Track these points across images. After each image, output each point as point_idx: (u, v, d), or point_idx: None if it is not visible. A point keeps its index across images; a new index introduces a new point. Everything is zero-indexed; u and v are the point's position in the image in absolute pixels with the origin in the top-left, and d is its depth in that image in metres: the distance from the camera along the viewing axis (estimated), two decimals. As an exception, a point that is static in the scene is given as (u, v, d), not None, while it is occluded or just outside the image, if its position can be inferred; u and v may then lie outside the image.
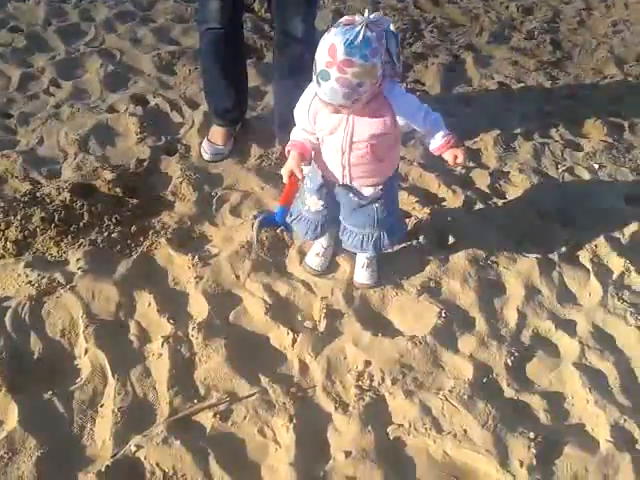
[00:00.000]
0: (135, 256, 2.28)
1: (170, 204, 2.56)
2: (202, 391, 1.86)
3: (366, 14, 1.55)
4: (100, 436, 1.73)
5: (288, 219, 2.07)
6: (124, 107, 3.10)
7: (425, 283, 2.20)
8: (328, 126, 1.80)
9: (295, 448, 1.70)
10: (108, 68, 3.38)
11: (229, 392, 1.86)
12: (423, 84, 3.53)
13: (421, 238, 2.37)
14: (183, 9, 4.10)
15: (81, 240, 2.30)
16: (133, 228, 2.38)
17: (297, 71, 2.59)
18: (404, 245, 2.35)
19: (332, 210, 2.07)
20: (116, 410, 1.78)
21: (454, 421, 1.78)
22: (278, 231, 2.27)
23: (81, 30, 3.78)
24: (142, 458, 1.67)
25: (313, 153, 1.91)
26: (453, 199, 2.58)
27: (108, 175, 2.59)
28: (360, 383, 1.89)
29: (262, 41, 3.76)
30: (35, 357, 1.93)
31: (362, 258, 2.17)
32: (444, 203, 2.59)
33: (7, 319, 2.01)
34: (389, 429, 1.78)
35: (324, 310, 2.09)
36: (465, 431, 1.76)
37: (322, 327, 2.05)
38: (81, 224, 2.35)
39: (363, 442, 1.73)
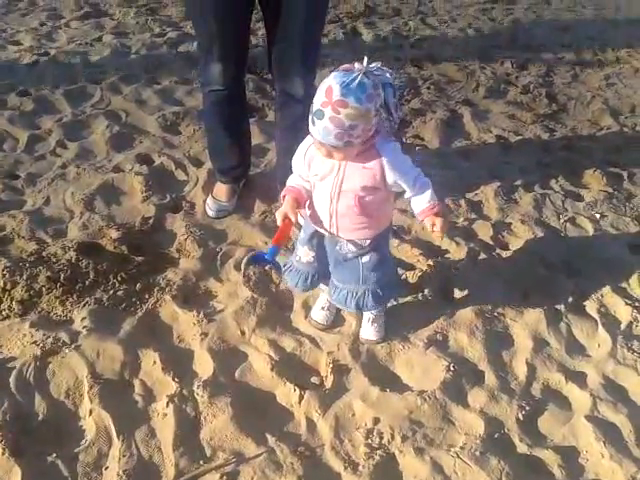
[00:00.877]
0: (140, 314, 2.28)
1: (175, 261, 2.57)
2: (208, 452, 1.82)
3: (365, 62, 1.59)
4: (104, 501, 1.69)
5: (282, 269, 2.10)
6: (129, 166, 3.15)
7: (432, 337, 2.19)
8: (321, 171, 1.81)
9: (304, 511, 1.66)
10: (114, 129, 3.46)
11: (235, 452, 1.82)
12: (422, 139, 3.60)
13: (426, 291, 2.37)
14: (187, 71, 4.23)
15: (86, 299, 2.30)
16: (138, 285, 2.39)
17: (298, 129, 2.63)
18: (409, 298, 2.35)
19: (324, 262, 2.06)
20: (121, 473, 1.73)
21: (466, 479, 1.74)
22: (267, 268, 2.24)
23: (87, 92, 3.88)
24: (147, 523, 1.63)
25: (308, 201, 1.93)
26: (457, 251, 2.59)
27: (114, 234, 2.61)
28: (369, 441, 1.85)
29: (264, 100, 3.86)
30: (39, 418, 1.90)
31: (368, 313, 2.16)
32: (448, 255, 2.60)
33: (12, 380, 1.99)
34: (400, 489, 1.73)
35: (331, 365, 2.07)
36: (478, 489, 1.71)
37: (329, 383, 2.02)
38: (87, 282, 2.36)
39: (374, 503, 1.68)
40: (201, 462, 1.79)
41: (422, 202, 1.83)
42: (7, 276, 2.32)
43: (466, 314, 2.27)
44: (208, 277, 2.48)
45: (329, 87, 1.59)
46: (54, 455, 1.79)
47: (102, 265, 2.43)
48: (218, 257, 2.59)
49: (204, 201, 2.90)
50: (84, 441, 1.85)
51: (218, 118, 2.77)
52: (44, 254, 2.48)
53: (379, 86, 1.60)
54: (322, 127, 1.63)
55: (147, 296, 2.37)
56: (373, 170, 1.75)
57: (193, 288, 2.43)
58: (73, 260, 2.42)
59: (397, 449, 1.83)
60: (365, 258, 1.96)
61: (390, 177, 1.75)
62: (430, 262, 2.49)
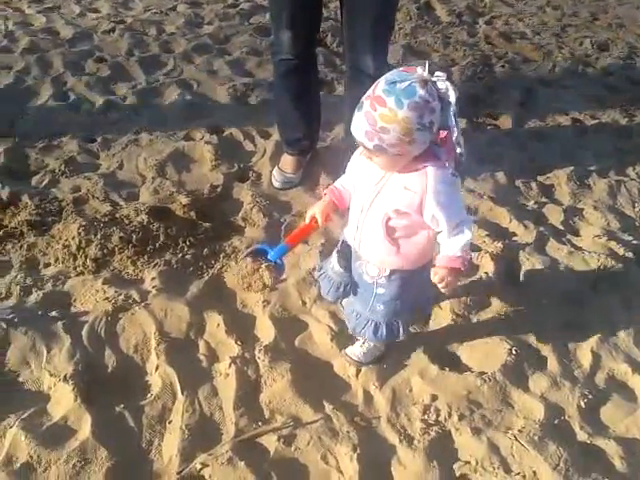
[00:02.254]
0: (206, 278, 2.34)
1: (241, 229, 2.62)
2: (267, 414, 1.87)
3: (426, 67, 1.43)
4: (167, 452, 1.76)
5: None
6: (200, 135, 3.22)
7: (495, 319, 2.16)
8: (364, 175, 1.67)
9: (358, 478, 1.68)
10: (185, 98, 3.53)
11: (293, 416, 1.86)
12: (494, 118, 3.52)
13: (491, 274, 2.33)
14: (257, 43, 4.25)
15: (156, 260, 2.38)
16: (205, 251, 2.45)
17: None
18: (472, 279, 2.32)
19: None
20: (184, 427, 1.81)
21: (523, 462, 1.72)
22: (263, 266, 1.85)
23: (161, 61, 3.97)
24: (207, 476, 1.69)
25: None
26: (525, 234, 2.54)
27: (183, 199, 2.68)
28: (426, 417, 1.86)
29: (333, 74, 3.85)
30: (109, 370, 1.99)
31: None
32: (515, 238, 2.55)
33: (84, 333, 2.09)
34: (455, 466, 1.73)
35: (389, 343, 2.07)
36: (535, 473, 1.70)
37: (387, 358, 2.03)
38: (157, 245, 2.44)
39: (428, 477, 1.69)
40: (260, 423, 1.84)
41: (450, 248, 1.62)
42: (82, 234, 2.43)
43: (531, 299, 2.23)
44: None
45: (379, 80, 1.47)
46: (122, 406, 1.88)
47: (172, 229, 2.51)
48: (282, 227, 2.62)
49: (270, 172, 2.93)
50: (150, 395, 1.93)
51: (287, 88, 2.78)
52: (117, 215, 2.58)
53: (435, 99, 1.43)
54: (357, 119, 1.51)
55: (213, 261, 2.43)
56: (414, 194, 1.56)
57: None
58: (145, 223, 2.51)
59: (453, 427, 1.82)
60: (380, 290, 1.79)
61: (429, 209, 1.56)
62: (497, 244, 2.45)
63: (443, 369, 1.98)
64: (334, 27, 4.28)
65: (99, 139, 3.19)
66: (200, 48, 4.13)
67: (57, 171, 2.92)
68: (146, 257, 2.40)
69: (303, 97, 2.83)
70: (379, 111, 1.45)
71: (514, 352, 2.02)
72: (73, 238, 2.41)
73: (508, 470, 1.70)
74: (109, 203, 2.70)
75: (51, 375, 1.94)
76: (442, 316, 2.17)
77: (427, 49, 4.48)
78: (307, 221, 1.84)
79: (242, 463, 1.70)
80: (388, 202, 1.62)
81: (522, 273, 2.37)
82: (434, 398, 1.90)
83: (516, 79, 4.00)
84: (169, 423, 1.85)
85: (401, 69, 1.48)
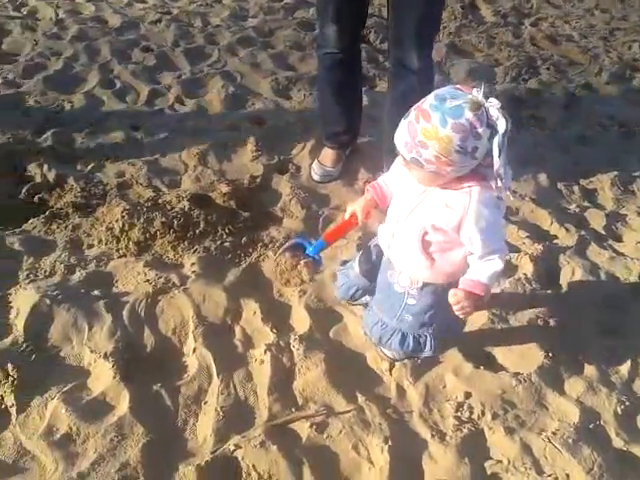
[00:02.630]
0: (244, 266, 2.37)
1: (279, 219, 2.65)
2: (300, 401, 1.89)
3: (481, 91, 1.40)
4: (202, 432, 1.80)
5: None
6: (242, 127, 3.25)
7: (532, 320, 2.14)
8: (406, 184, 1.64)
9: (389, 470, 1.68)
10: (229, 89, 3.57)
11: (326, 405, 1.87)
12: (538, 120, 3.47)
13: (530, 275, 2.30)
14: (301, 37, 4.28)
15: (196, 246, 2.42)
16: (244, 239, 2.48)
17: (409, 101, 2.61)
18: (512, 280, 2.30)
19: (375, 279, 1.90)
20: (219, 409, 1.84)
21: (556, 464, 1.70)
22: (302, 262, 1.90)
23: (205, 53, 4.02)
24: (239, 458, 1.71)
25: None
26: (566, 237, 2.51)
27: (224, 188, 2.72)
28: (459, 414, 1.85)
29: (376, 71, 3.85)
30: (147, 350, 2.04)
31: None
32: (556, 241, 2.52)
33: (125, 312, 2.14)
34: (486, 464, 1.73)
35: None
36: (567, 476, 1.68)
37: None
38: (197, 231, 2.48)
39: (459, 473, 1.69)
40: (293, 410, 1.86)
41: (478, 272, 1.58)
42: (126, 218, 2.48)
43: (570, 302, 2.20)
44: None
45: (430, 95, 1.45)
46: (159, 385, 1.92)
47: (212, 216, 2.54)
48: (320, 220, 2.64)
49: (310, 165, 2.95)
50: (186, 376, 1.96)
51: (331, 82, 2.80)
52: (160, 201, 2.63)
53: (483, 126, 1.38)
54: (400, 128, 1.50)
55: (251, 250, 2.46)
56: (454, 212, 1.53)
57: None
58: (186, 209, 2.55)
59: (486, 425, 1.82)
60: (411, 300, 1.77)
61: (467, 230, 1.53)
62: (537, 246, 2.42)
63: (478, 368, 1.97)
64: (378, 24, 4.28)
65: (143, 126, 3.26)
66: (244, 41, 4.17)
67: (102, 156, 2.99)
68: (186, 243, 2.44)
69: (346, 91, 2.84)
70: (422, 125, 1.43)
71: (551, 354, 2.00)
72: (117, 221, 2.46)
73: (540, 471, 1.69)
74: (152, 189, 2.76)
75: (92, 352, 1.99)
76: (479, 315, 2.16)
77: (471, 48, 4.45)
78: (347, 217, 1.84)
79: (274, 447, 1.73)
80: (427, 217, 1.59)
81: (561, 276, 2.34)
82: (468, 396, 1.90)
83: (561, 82, 3.95)
84: (204, 404, 1.88)
85: (457, 86, 1.45)
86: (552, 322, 2.14)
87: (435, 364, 2.01)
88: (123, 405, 1.84)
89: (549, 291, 2.26)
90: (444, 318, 1.80)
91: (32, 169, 2.87)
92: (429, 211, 1.58)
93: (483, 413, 1.85)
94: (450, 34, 4.56)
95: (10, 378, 1.88)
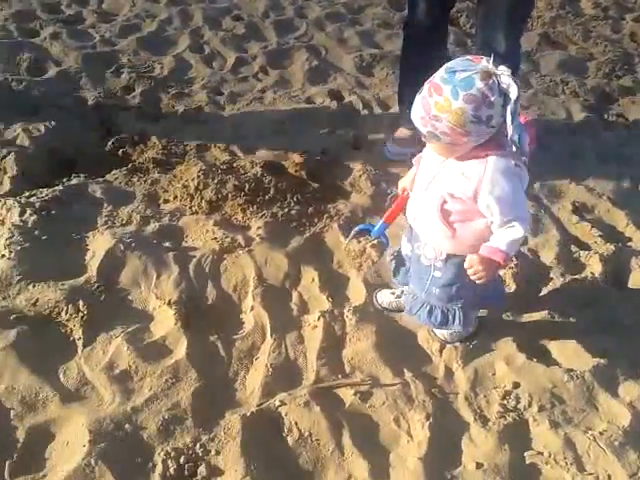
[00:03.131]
0: (308, 235, 2.42)
1: (347, 194, 2.68)
2: (347, 369, 1.94)
3: (490, 60, 1.40)
4: (251, 384, 1.88)
5: (388, 245, 2.00)
6: (321, 100, 3.30)
7: (593, 319, 2.09)
8: (428, 155, 1.67)
9: (427, 445, 1.71)
10: (312, 63, 3.62)
11: (372, 376, 1.91)
12: (626, 119, 3.33)
13: (598, 274, 2.24)
14: (390, 16, 4.25)
15: (264, 211, 2.49)
16: (310, 209, 2.53)
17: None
18: (576, 277, 2.24)
19: None
20: (269, 365, 1.91)
21: (599, 463, 1.67)
22: (375, 242, 2.06)
23: (294, 25, 4.08)
24: (283, 414, 1.78)
25: None
26: (640, 241, 2.42)
27: (297, 158, 2.78)
28: (505, 402, 1.84)
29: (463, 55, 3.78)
30: (208, 303, 2.13)
31: None
32: (630, 244, 2.43)
33: (191, 266, 2.24)
34: (526, 453, 1.71)
35: (479, 325, 2.06)
36: (609, 476, 1.65)
37: (476, 339, 2.02)
38: (267, 197, 2.55)
39: (497, 458, 1.69)
40: (339, 376, 1.91)
41: (497, 239, 1.57)
42: (201, 177, 2.58)
43: (637, 306, 2.13)
44: (374, 215, 2.55)
45: (442, 68, 1.45)
46: (215, 336, 2.01)
47: (282, 184, 2.61)
48: (387, 198, 2.64)
49: (384, 143, 2.96)
50: (242, 331, 2.05)
51: (415, 59, 2.77)
52: (234, 165, 2.72)
53: (495, 94, 1.39)
54: (416, 103, 1.50)
55: (316, 220, 2.50)
56: (470, 181, 1.53)
57: (359, 222, 2.51)
58: (258, 175, 2.62)
59: (532, 417, 1.80)
60: (437, 273, 1.77)
61: (483, 198, 1.52)
62: (609, 246, 2.35)
63: (530, 359, 1.95)
64: (469, 8, 4.19)
65: (226, 92, 3.35)
66: (333, 16, 4.19)
67: (185, 117, 3.11)
68: (255, 207, 2.51)
69: (429, 70, 2.80)
70: (434, 99, 1.43)
71: (608, 355, 1.95)
72: (192, 180, 2.57)
73: (581, 469, 1.66)
74: (228, 153, 2.85)
75: (157, 298, 2.11)
76: (538, 307, 2.13)
77: (565, 40, 4.28)
78: (400, 192, 1.87)
79: (318, 408, 1.78)
80: (444, 185, 1.60)
81: (630, 279, 2.26)
82: (516, 385, 1.88)
83: (658, 82, 3.75)
84: (255, 359, 1.96)
85: (467, 57, 1.45)
86: (614, 323, 2.08)
87: (487, 350, 2.00)
88: (180, 350, 1.94)
89: (615, 292, 2.19)
90: (477, 292, 1.79)
91: (119, 124, 3.02)
92: (447, 180, 1.60)
93: (530, 404, 1.83)
94: (544, 24, 4.40)
95: (80, 313, 2.03)
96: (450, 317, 1.85)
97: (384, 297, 2.13)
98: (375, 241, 1.96)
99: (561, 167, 2.88)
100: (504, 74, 1.39)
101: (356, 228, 2.03)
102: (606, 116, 3.35)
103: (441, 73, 1.44)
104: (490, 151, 1.51)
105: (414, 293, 1.88)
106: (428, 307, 1.86)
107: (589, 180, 2.79)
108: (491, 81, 1.38)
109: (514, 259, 2.25)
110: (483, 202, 1.54)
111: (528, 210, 1.56)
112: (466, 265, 1.61)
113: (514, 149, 1.46)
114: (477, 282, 1.62)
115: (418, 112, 1.50)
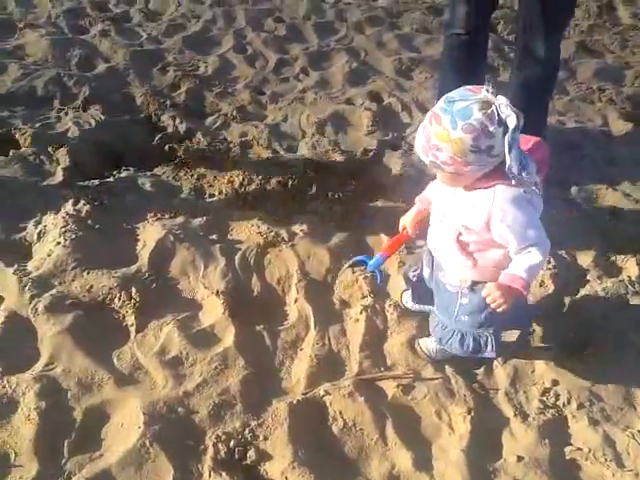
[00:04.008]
0: (349, 231, 2.48)
1: (386, 193, 2.73)
2: (389, 362, 2.00)
3: (490, 89, 1.41)
4: (296, 374, 1.94)
5: (380, 281, 2.02)
6: (360, 101, 3.37)
7: (631, 322, 2.11)
8: (440, 187, 1.68)
9: (469, 438, 1.76)
10: (352, 65, 3.69)
11: (414, 370, 1.96)
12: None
13: (634, 277, 2.27)
14: (428, 21, 4.32)
15: (307, 208, 2.56)
16: (351, 207, 2.60)
17: (531, 90, 2.62)
18: (613, 279, 2.28)
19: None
20: (313, 356, 1.97)
21: (638, 460, 1.71)
22: (361, 278, 2.14)
23: (334, 28, 4.16)
24: (328, 403, 1.84)
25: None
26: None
27: (338, 157, 2.85)
28: (544, 399, 1.88)
29: (500, 61, 3.83)
30: (254, 294, 2.21)
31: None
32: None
33: (237, 258, 2.32)
34: (566, 449, 1.76)
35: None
36: (649, 474, 1.68)
37: (515, 337, 2.07)
38: (309, 194, 2.62)
39: (537, 452, 1.73)
40: (382, 369, 1.97)
41: (515, 266, 1.56)
42: (246, 173, 2.66)
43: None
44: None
45: (442, 98, 1.47)
46: (261, 326, 2.08)
47: (324, 182, 2.68)
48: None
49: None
50: (286, 322, 2.12)
51: (454, 63, 2.82)
52: (277, 162, 2.80)
53: (494, 124, 1.39)
54: (418, 132, 1.53)
55: (357, 218, 2.56)
56: (480, 213, 1.54)
57: (397, 221, 2.56)
58: (301, 173, 2.70)
59: (570, 414, 1.84)
60: (464, 300, 1.75)
61: (496, 228, 1.53)
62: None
63: (569, 358, 1.99)
64: (507, 15, 4.24)
65: (268, 92, 3.44)
66: (372, 20, 4.27)
67: (229, 115, 3.21)
68: (298, 203, 2.58)
69: (468, 74, 2.84)
70: (434, 128, 1.45)
71: (646, 357, 1.98)
72: (237, 176, 2.65)
73: (621, 465, 1.70)
74: (271, 150, 2.93)
75: (205, 288, 2.19)
76: (576, 308, 2.16)
77: (602, 49, 4.30)
78: (400, 229, 1.91)
79: (362, 399, 1.84)
80: (457, 218, 1.61)
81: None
82: (555, 383, 1.92)
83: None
84: (300, 350, 2.03)
85: (467, 87, 1.45)
86: (652, 327, 2.11)
87: (526, 349, 2.04)
88: (229, 338, 2.01)
89: (653, 297, 2.22)
90: (505, 317, 1.75)
91: (165, 120, 3.13)
92: (459, 212, 1.60)
93: (569, 401, 1.87)
94: (582, 32, 4.42)
95: (132, 301, 2.11)
96: (482, 343, 1.81)
97: (429, 344, 2.01)
98: (369, 274, 2.02)
99: (598, 173, 2.91)
100: (503, 104, 1.39)
101: (352, 259, 2.08)
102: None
103: (441, 103, 1.45)
104: (497, 180, 1.51)
105: (442, 322, 1.86)
106: (459, 335, 1.82)
107: (625, 185, 2.82)
108: (490, 111, 1.38)
109: (551, 260, 2.29)
110: (496, 232, 1.54)
111: (545, 235, 1.55)
112: (484, 294, 1.61)
113: (514, 179, 1.45)
114: (498, 310, 1.60)
115: (420, 141, 1.52)
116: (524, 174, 1.45)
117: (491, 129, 1.39)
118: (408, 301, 2.16)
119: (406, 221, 1.88)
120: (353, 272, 2.10)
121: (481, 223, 1.55)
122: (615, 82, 3.77)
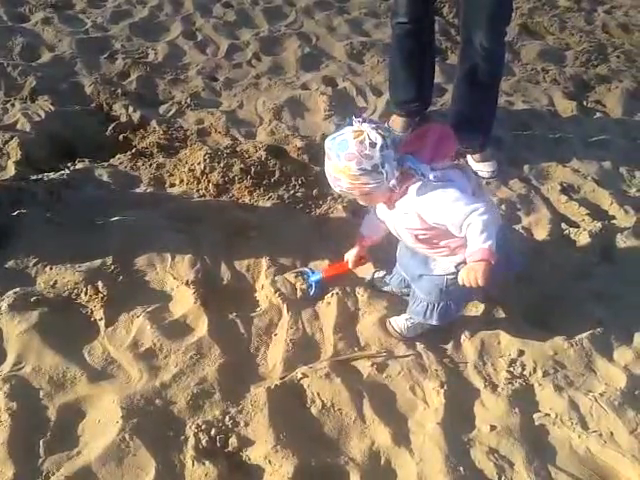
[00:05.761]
0: (314, 216, 2.51)
1: (348, 177, 2.77)
2: (362, 342, 2.04)
3: (354, 122, 1.63)
4: (272, 359, 1.96)
5: (312, 294, 2.16)
6: (315, 86, 3.38)
7: (587, 292, 2.23)
8: (380, 211, 1.88)
9: (443, 411, 1.82)
10: (305, 49, 3.69)
11: (386, 349, 2.01)
12: (604, 106, 3.51)
13: (588, 250, 2.39)
14: (376, 5, 4.35)
15: (270, 193, 2.57)
16: (315, 191, 2.62)
17: (474, 80, 2.66)
18: (569, 253, 2.39)
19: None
20: (288, 341, 1.99)
21: (601, 422, 1.81)
22: (297, 284, 2.18)
23: (283, 13, 4.14)
24: (305, 386, 1.87)
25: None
26: (624, 219, 2.58)
27: (298, 142, 2.86)
28: (511, 369, 1.97)
29: (448, 43, 3.91)
30: (224, 283, 2.20)
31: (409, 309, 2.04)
32: (614, 221, 2.59)
33: (204, 247, 2.30)
34: (535, 415, 1.85)
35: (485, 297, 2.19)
36: (612, 433, 1.79)
37: (480, 311, 2.15)
38: (272, 180, 2.62)
39: (508, 421, 1.81)
40: (355, 349, 2.01)
41: (470, 244, 1.64)
42: (207, 161, 2.64)
43: (624, 278, 2.29)
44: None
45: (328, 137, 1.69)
46: (234, 314, 2.09)
47: (286, 167, 2.68)
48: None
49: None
50: (259, 309, 2.13)
51: (402, 51, 2.87)
52: (238, 149, 2.78)
53: (367, 147, 1.60)
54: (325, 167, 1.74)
55: (321, 202, 2.59)
56: (412, 216, 1.73)
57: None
58: (262, 158, 2.69)
59: (537, 382, 1.93)
60: (453, 276, 1.84)
61: (432, 221, 1.70)
62: (595, 224, 2.50)
63: (532, 329, 2.08)
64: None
65: (222, 79, 3.41)
66: (321, 4, 4.28)
67: (183, 103, 3.17)
68: (262, 189, 2.58)
69: (416, 61, 2.90)
70: (328, 164, 1.70)
71: (603, 324, 2.09)
72: (199, 163, 2.62)
73: (585, 427, 1.80)
74: (229, 137, 2.91)
75: (174, 278, 2.17)
76: (536, 281, 2.26)
77: (542, 31, 4.45)
78: (344, 260, 2.12)
79: (338, 379, 1.87)
80: (403, 227, 1.80)
81: (617, 254, 2.42)
82: (521, 353, 2.01)
83: (630, 70, 3.93)
84: (274, 336, 2.04)
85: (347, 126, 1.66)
86: (607, 294, 2.23)
87: (493, 321, 2.13)
88: (202, 328, 2.01)
89: (606, 266, 2.35)
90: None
91: (117, 109, 3.06)
92: (401, 222, 1.80)
93: (534, 370, 1.96)
94: (522, 15, 4.55)
95: (100, 295, 2.07)
96: (460, 308, 2.03)
97: (400, 322, 2.06)
98: (305, 285, 2.16)
99: (547, 150, 3.03)
100: (372, 131, 1.60)
101: (301, 269, 2.23)
102: (585, 103, 3.52)
103: (327, 142, 1.68)
104: (406, 183, 1.70)
105: (422, 300, 1.95)
106: (452, 303, 1.94)
107: (574, 162, 2.95)
108: (362, 137, 1.61)
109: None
110: (435, 224, 1.70)
111: (473, 199, 1.66)
112: (460, 283, 1.69)
113: (419, 177, 1.66)
114: (481, 286, 1.65)
115: (327, 174, 1.73)
116: (419, 170, 1.66)
117: (367, 152, 1.61)
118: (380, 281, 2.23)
119: (349, 257, 2.10)
120: (296, 276, 2.19)
121: (418, 223, 1.73)
122: (557, 63, 3.92)
